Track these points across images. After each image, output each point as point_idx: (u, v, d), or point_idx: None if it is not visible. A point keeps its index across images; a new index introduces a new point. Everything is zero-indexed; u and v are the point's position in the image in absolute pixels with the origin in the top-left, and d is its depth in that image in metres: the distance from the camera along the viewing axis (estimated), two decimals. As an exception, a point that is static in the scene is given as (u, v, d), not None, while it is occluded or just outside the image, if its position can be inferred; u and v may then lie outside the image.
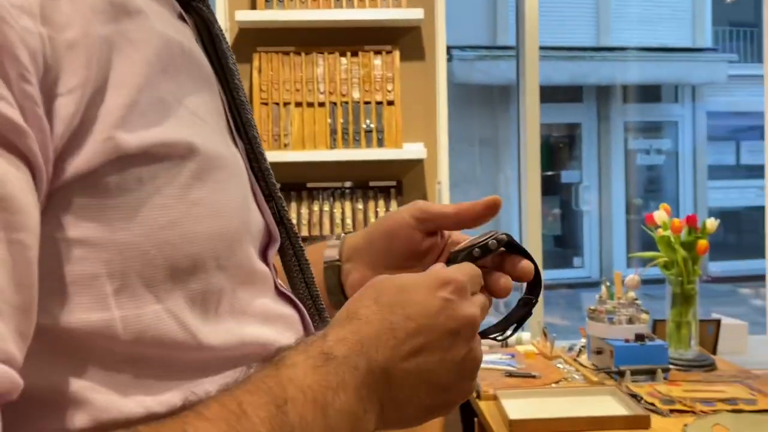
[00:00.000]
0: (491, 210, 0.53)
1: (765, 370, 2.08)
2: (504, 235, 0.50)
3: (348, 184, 1.97)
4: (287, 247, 0.48)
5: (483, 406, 1.55)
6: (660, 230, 1.88)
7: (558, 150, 7.98)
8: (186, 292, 0.36)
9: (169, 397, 0.36)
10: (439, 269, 0.45)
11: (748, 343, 2.34)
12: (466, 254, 0.49)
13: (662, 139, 8.04)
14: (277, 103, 1.91)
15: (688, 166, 7.96)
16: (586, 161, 7.89)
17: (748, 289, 6.84)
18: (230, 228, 0.39)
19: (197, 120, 0.39)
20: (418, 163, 1.97)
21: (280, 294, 0.47)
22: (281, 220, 0.48)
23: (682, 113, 8.02)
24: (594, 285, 7.32)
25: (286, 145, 1.89)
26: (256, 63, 1.92)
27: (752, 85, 8.26)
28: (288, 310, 0.46)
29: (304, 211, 1.95)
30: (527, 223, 2.15)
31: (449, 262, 0.50)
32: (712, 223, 1.81)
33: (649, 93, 7.99)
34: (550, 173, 7.66)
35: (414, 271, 0.52)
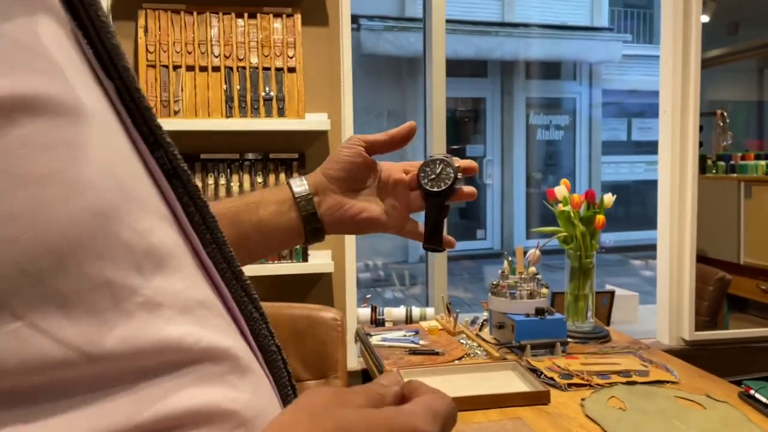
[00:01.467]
0: (411, 133, 0.71)
1: (653, 339, 2.19)
2: (453, 159, 0.71)
3: (246, 155, 1.85)
4: (187, 204, 0.38)
5: (386, 386, 1.51)
6: (560, 205, 1.90)
7: (464, 124, 8.09)
8: (55, 296, 0.27)
9: (67, 422, 0.28)
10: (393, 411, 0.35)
11: (639, 313, 2.47)
12: (447, 190, 0.69)
13: (561, 115, 8.34)
14: (166, 66, 1.75)
15: (584, 141, 8.31)
16: (490, 135, 8.06)
17: (639, 261, 7.30)
18: (99, 201, 0.30)
19: (33, 57, 0.29)
20: (321, 134, 1.88)
21: (201, 268, 0.38)
22: (174, 171, 0.38)
23: (579, 90, 8.35)
24: (496, 256, 7.56)
25: (176, 113, 1.74)
26: (141, 21, 1.74)
27: (643, 65, 8.72)
28: (208, 292, 0.37)
29: (198, 184, 1.81)
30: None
31: (429, 195, 0.70)
32: (609, 199, 1.85)
33: (550, 70, 8.24)
34: (456, 147, 7.76)
35: (368, 194, 0.71)
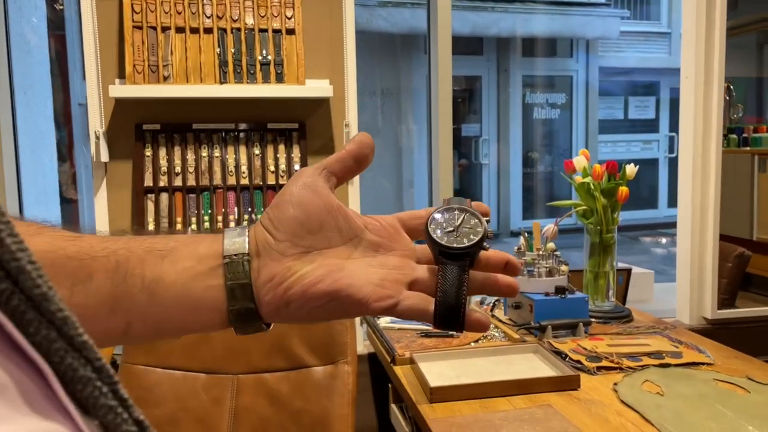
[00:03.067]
0: (365, 143, 0.47)
1: (672, 318, 2.09)
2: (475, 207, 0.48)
3: (242, 125, 1.71)
4: None
5: (398, 371, 1.40)
6: (578, 177, 1.78)
7: (459, 103, 7.95)
8: None
9: None
10: None
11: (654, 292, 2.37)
12: (476, 247, 0.44)
13: (557, 93, 8.21)
14: (154, 28, 1.60)
15: (581, 120, 8.19)
16: (486, 114, 7.91)
17: (648, 238, 7.23)
18: None
19: None
20: (323, 102, 1.75)
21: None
22: None
23: (576, 68, 8.21)
24: (492, 238, 7.46)
25: (166, 78, 1.60)
26: (126, -22, 1.59)
27: (641, 42, 8.59)
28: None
29: (190, 156, 1.68)
30: (439, 177, 2.00)
31: (446, 256, 0.44)
32: (632, 169, 1.73)
33: (547, 47, 8.09)
34: (452, 127, 7.56)
35: (339, 255, 0.44)
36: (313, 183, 0.44)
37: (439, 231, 0.45)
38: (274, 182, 1.71)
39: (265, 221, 0.44)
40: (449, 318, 0.42)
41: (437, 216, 0.46)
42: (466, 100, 8.07)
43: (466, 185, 7.90)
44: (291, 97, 1.68)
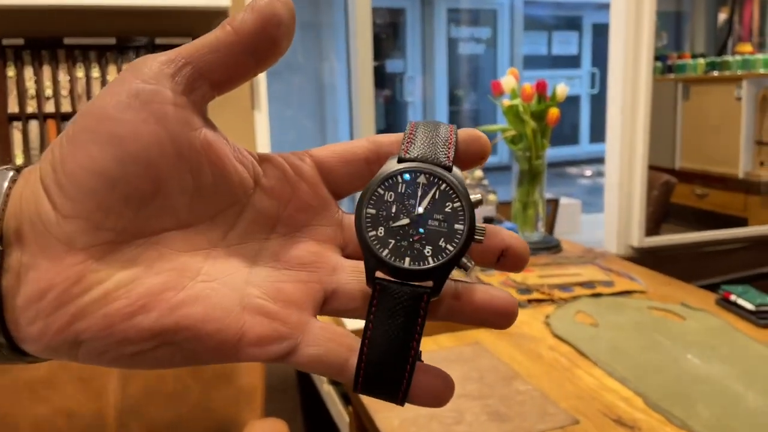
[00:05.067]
0: (285, 14, 0.22)
1: (600, 248, 2.04)
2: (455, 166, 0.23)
3: (125, 41, 1.47)
4: None
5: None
6: (506, 101, 1.66)
7: (384, 39, 7.68)
8: None
9: None
10: None
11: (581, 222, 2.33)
12: (448, 268, 0.22)
13: (482, 27, 8.06)
14: None
15: (506, 56, 8.11)
16: (411, 50, 7.69)
17: (575, 169, 7.35)
18: None
19: None
20: (220, 14, 1.52)
21: None
22: None
23: (501, 1, 8.06)
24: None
25: (24, -19, 1.34)
26: None
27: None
28: None
29: (63, 78, 1.43)
30: (360, 117, 1.84)
31: (393, 275, 0.22)
32: (563, 90, 1.62)
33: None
34: (375, 64, 7.30)
35: (198, 233, 0.22)
36: (155, 94, 0.21)
37: (381, 228, 0.22)
38: (167, 108, 1.49)
39: (44, 168, 0.21)
40: (380, 385, 0.22)
41: (381, 190, 0.22)
42: (390, 35, 7.81)
43: (392, 123, 7.74)
44: (181, 6, 1.45)
